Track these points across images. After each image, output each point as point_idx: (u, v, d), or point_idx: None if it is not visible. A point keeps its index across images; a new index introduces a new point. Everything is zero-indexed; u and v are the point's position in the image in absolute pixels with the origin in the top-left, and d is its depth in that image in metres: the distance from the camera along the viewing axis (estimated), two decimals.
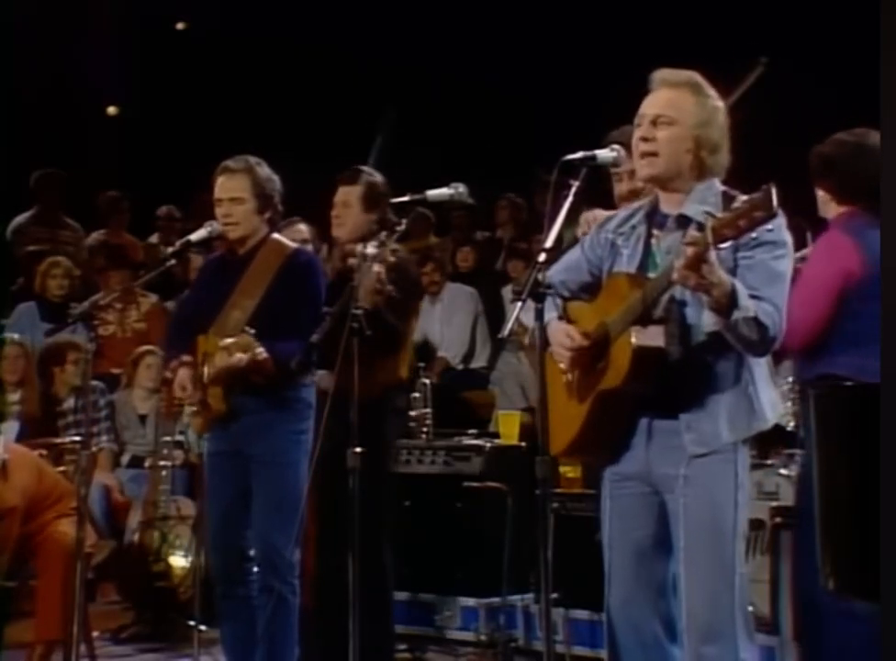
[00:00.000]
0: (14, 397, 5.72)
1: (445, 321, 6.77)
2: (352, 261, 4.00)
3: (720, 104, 2.79)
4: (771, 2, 7.11)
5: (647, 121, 2.77)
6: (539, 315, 2.99)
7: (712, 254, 2.52)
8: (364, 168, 4.18)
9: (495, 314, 6.80)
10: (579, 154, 3.10)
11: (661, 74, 2.80)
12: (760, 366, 2.75)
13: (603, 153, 3.22)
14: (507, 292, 6.86)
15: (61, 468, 5.06)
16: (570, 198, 3.06)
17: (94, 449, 5.51)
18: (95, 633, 4.67)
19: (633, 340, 2.69)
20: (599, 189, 3.63)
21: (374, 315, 3.85)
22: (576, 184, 3.06)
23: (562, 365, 2.85)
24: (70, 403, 5.78)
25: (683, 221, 2.75)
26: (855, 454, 2.23)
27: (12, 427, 5.60)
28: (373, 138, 7.92)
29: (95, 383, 5.68)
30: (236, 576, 3.90)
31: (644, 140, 2.76)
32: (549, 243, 2.98)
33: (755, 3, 7.19)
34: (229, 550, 3.91)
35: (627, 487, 2.83)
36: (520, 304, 2.94)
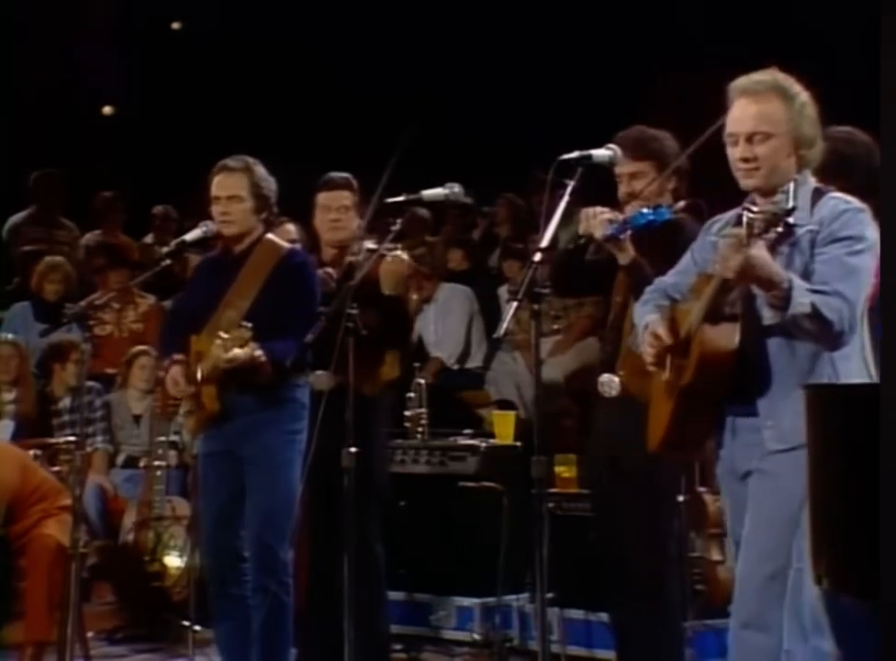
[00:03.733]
0: (8, 396, 5.71)
1: (440, 321, 6.76)
2: (352, 258, 4.02)
3: (804, 97, 2.80)
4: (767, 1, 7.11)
5: (742, 140, 2.77)
6: (535, 315, 3.00)
7: (758, 250, 2.59)
8: (343, 174, 4.26)
9: (490, 314, 6.79)
10: (575, 154, 3.10)
11: (741, 84, 2.81)
12: (848, 361, 2.74)
13: (599, 153, 3.22)
14: (503, 292, 6.85)
15: (56, 468, 5.05)
16: (566, 197, 3.07)
17: (88, 449, 5.51)
18: (89, 634, 4.65)
19: (700, 338, 2.74)
20: (606, 189, 3.64)
21: (396, 301, 4.01)
22: (571, 184, 3.07)
23: (648, 362, 2.89)
24: (66, 402, 5.77)
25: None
26: (848, 454, 2.23)
27: (6, 426, 5.60)
28: (364, 139, 7.93)
29: (91, 383, 5.68)
30: (230, 576, 3.89)
31: (745, 160, 2.77)
32: (545, 243, 2.99)
33: (749, 2, 7.18)
34: (224, 550, 3.90)
35: (733, 482, 2.87)
36: (515, 304, 2.95)
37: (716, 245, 2.85)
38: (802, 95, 2.81)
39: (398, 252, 4.06)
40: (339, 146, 7.77)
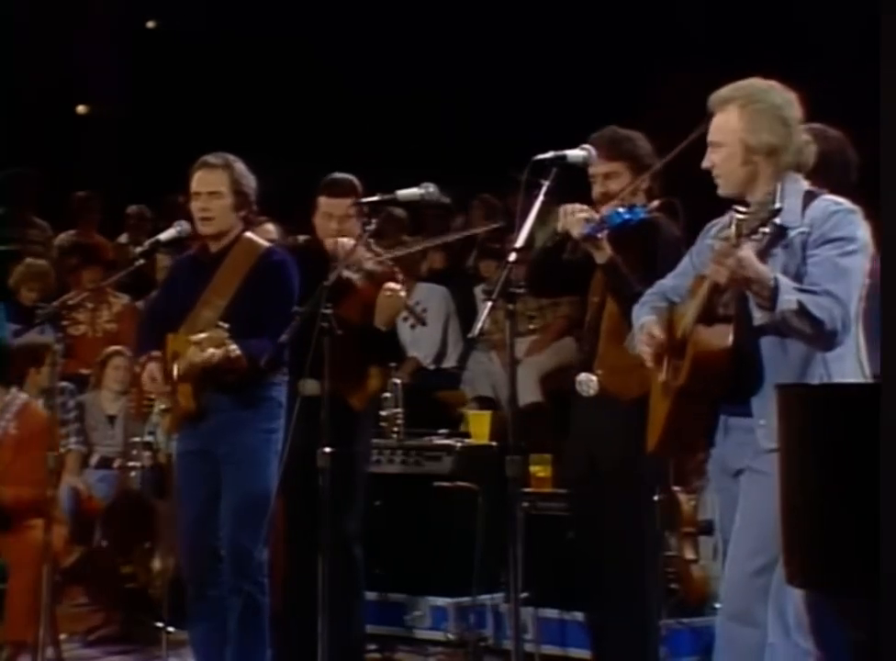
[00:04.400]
0: None
1: None
2: (349, 274, 4.00)
3: (773, 103, 2.83)
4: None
5: (708, 149, 2.89)
6: (510, 315, 3.01)
7: (744, 251, 2.64)
8: (347, 176, 4.18)
9: (467, 313, 6.79)
10: (549, 154, 3.11)
11: (712, 97, 2.90)
12: (841, 361, 2.78)
13: (573, 153, 3.24)
14: (479, 291, 6.85)
15: None
16: (541, 197, 3.08)
17: (61, 450, 5.47)
18: (63, 636, 4.63)
19: (694, 339, 2.78)
20: (580, 189, 3.65)
21: (391, 335, 4.07)
22: (546, 184, 3.08)
23: (647, 361, 2.93)
24: (39, 404, 5.73)
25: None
26: (821, 454, 2.24)
27: None
28: (348, 138, 7.91)
29: (64, 384, 5.64)
30: (207, 577, 3.87)
31: (707, 169, 2.88)
32: (520, 243, 3.00)
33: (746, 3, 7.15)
34: (201, 551, 3.88)
35: (725, 480, 2.92)
36: (490, 303, 2.95)
37: (713, 248, 2.88)
38: (768, 102, 2.84)
39: (395, 285, 4.03)
40: (315, 145, 7.76)
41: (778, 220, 2.66)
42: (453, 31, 8.16)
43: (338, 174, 4.19)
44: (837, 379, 2.75)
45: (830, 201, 2.82)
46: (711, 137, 2.88)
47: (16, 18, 8.53)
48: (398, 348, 4.38)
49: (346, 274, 3.91)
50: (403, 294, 4.07)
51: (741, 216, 2.67)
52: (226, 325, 3.69)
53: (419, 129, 8.15)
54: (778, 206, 2.67)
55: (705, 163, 2.88)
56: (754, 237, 2.66)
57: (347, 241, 3.97)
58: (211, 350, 3.66)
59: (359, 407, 4.10)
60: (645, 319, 2.97)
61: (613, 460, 3.59)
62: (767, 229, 2.65)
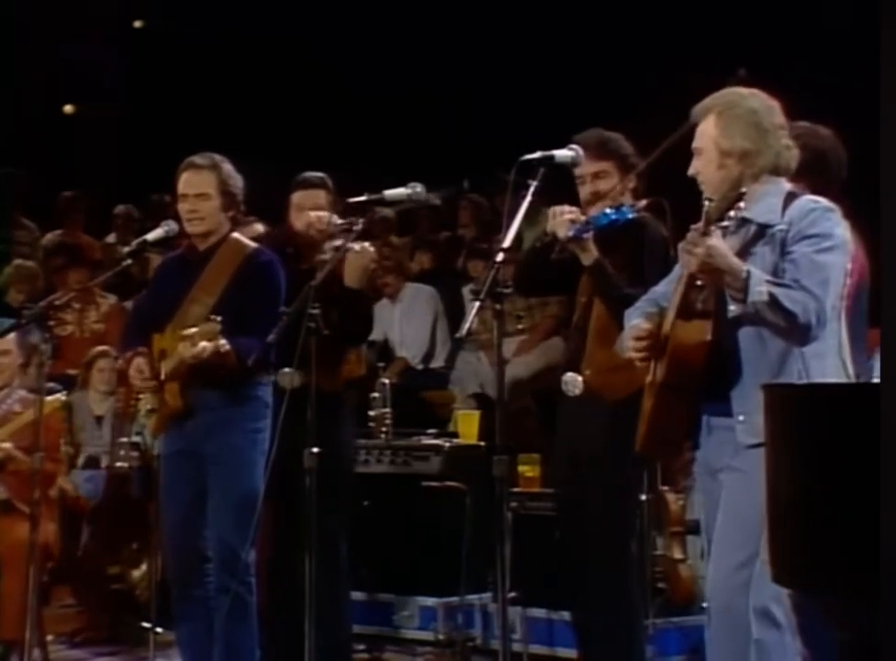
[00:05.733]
0: None
1: (405, 321, 6.76)
2: (322, 257, 4.02)
3: (748, 111, 2.87)
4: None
5: (693, 157, 2.96)
6: (498, 315, 3.01)
7: (713, 239, 2.69)
8: (321, 174, 4.27)
9: (455, 314, 6.80)
10: (537, 154, 3.12)
11: (695, 108, 2.97)
12: (821, 359, 2.80)
13: (561, 153, 3.24)
14: (467, 292, 6.85)
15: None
16: (528, 198, 3.08)
17: None
18: (49, 637, 4.62)
19: (673, 334, 2.81)
20: (567, 189, 3.65)
21: (358, 296, 4.03)
22: (534, 184, 3.08)
23: (636, 361, 2.95)
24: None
25: (743, 223, 2.85)
26: (806, 454, 2.25)
27: None
28: (326, 139, 7.90)
29: (51, 385, 5.62)
30: (193, 577, 3.86)
31: (694, 175, 2.95)
32: (507, 243, 3.01)
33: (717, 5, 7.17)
34: (187, 551, 3.87)
35: (708, 479, 2.94)
36: (477, 303, 2.96)
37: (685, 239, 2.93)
38: (745, 107, 2.88)
39: (365, 244, 4.06)
40: (299, 145, 7.76)
41: (742, 204, 2.72)
42: (438, 32, 8.16)
43: (308, 173, 4.29)
44: (816, 376, 2.77)
45: (809, 200, 2.86)
46: (693, 144, 2.94)
47: (1, 19, 8.50)
48: (369, 320, 4.33)
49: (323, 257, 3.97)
50: (373, 250, 4.12)
51: (709, 203, 2.74)
52: (219, 318, 3.67)
53: (407, 129, 8.15)
54: (743, 190, 2.75)
55: (690, 171, 2.94)
56: (721, 223, 2.72)
57: (319, 216, 4.09)
58: (203, 344, 3.65)
59: (331, 389, 4.05)
60: (634, 323, 3.00)
61: (597, 460, 3.59)
62: (732, 213, 2.72)
